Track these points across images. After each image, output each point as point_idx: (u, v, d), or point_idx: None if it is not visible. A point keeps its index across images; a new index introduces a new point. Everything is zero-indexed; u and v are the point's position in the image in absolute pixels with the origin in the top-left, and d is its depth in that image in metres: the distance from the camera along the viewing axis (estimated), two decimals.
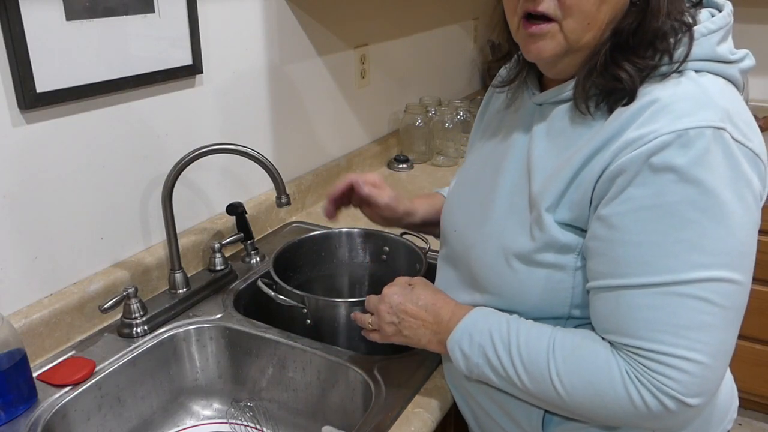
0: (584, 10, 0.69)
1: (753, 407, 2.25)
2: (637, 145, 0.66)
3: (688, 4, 0.73)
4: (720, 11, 0.74)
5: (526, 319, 0.78)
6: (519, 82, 0.87)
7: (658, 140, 0.64)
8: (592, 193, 0.70)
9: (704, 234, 0.64)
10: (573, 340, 0.73)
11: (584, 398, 0.71)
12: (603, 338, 0.72)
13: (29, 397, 0.92)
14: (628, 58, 0.70)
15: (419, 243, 1.29)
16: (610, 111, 0.71)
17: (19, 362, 0.91)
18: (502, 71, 0.94)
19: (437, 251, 1.01)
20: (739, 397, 0.92)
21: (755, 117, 2.52)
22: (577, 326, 0.76)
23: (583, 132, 0.74)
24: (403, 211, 1.07)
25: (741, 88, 0.74)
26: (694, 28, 0.70)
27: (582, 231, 0.73)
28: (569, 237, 0.73)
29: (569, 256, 0.73)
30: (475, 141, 0.98)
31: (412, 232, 1.20)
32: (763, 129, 2.17)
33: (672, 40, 0.69)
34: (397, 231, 1.34)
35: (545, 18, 0.71)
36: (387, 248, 1.35)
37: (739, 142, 0.66)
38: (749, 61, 0.75)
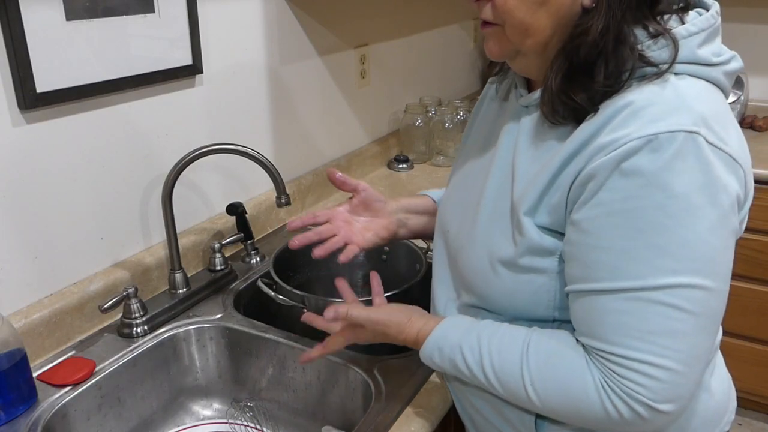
0: (517, 17, 0.71)
1: (753, 407, 2.25)
2: (608, 150, 0.65)
3: (675, 7, 0.72)
4: (707, 11, 0.72)
5: (513, 321, 0.78)
6: (509, 78, 0.88)
7: (628, 145, 0.64)
8: (567, 197, 0.70)
9: (673, 239, 0.64)
10: (548, 345, 0.73)
11: (558, 405, 0.71)
12: (578, 340, 0.72)
13: (29, 397, 0.92)
14: (579, 80, 0.69)
15: (419, 243, 1.29)
16: (579, 122, 0.71)
17: (19, 362, 0.91)
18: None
19: None
20: (739, 397, 0.92)
21: (755, 117, 2.50)
22: (561, 327, 0.76)
23: (562, 135, 0.73)
24: (394, 207, 1.06)
25: (727, 90, 0.74)
26: (674, 31, 0.68)
27: (561, 235, 0.73)
28: (548, 241, 0.73)
29: (550, 260, 0.73)
30: (469, 133, 0.97)
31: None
32: (762, 129, 2.17)
33: (628, 58, 0.67)
34: None
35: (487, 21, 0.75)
36: (387, 248, 1.35)
37: (714, 146, 0.65)
38: (736, 63, 0.73)
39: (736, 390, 0.91)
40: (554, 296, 0.75)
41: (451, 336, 0.80)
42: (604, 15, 0.67)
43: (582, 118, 0.70)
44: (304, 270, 1.33)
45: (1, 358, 0.88)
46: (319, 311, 1.12)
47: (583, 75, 0.69)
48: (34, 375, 0.97)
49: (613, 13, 0.67)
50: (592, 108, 0.69)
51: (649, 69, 0.68)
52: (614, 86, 0.68)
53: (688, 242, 0.64)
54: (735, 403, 0.89)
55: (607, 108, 0.68)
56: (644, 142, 0.63)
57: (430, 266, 1.02)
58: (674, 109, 0.65)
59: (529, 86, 0.83)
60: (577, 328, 0.72)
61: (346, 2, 1.67)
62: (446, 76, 2.35)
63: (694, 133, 0.64)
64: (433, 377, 0.98)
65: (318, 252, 0.98)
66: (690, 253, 0.64)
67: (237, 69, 1.36)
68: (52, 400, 0.94)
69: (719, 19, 0.73)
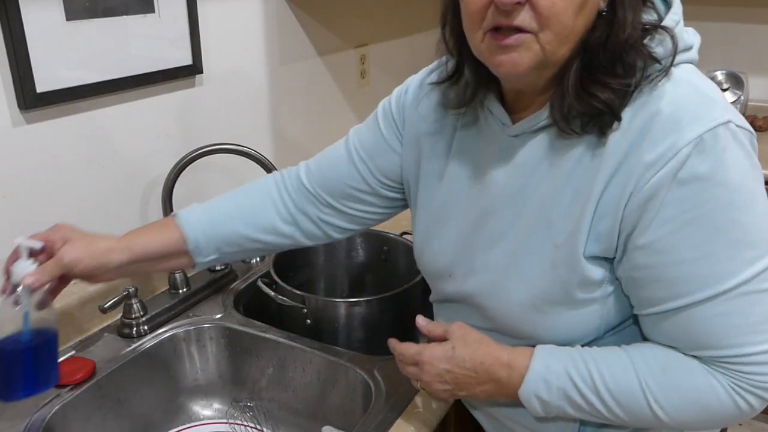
0: (563, 21, 0.64)
1: None
2: (657, 167, 0.64)
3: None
4: None
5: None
6: (474, 104, 0.80)
7: (678, 155, 0.63)
8: (621, 222, 0.68)
9: (745, 229, 0.65)
10: (656, 359, 0.71)
11: (689, 417, 0.70)
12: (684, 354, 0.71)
13: (48, 381, 0.86)
14: (599, 78, 0.67)
15: None
16: (602, 134, 0.68)
17: (49, 341, 0.85)
18: (439, 92, 0.86)
19: None
20: None
21: (755, 117, 2.49)
22: (609, 340, 0.76)
23: (582, 156, 0.70)
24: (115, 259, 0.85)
25: (698, 64, 0.73)
26: (665, 24, 0.68)
27: (608, 261, 0.71)
28: (599, 271, 0.71)
29: (601, 289, 0.72)
30: (422, 155, 0.86)
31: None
32: (762, 129, 2.17)
33: (640, 55, 0.66)
34: (397, 231, 1.34)
35: (518, 29, 0.65)
36: (386, 248, 1.35)
37: (740, 126, 0.66)
38: (698, 37, 0.73)
39: None
40: (606, 319, 0.74)
41: (554, 365, 0.73)
42: (628, 11, 0.65)
43: (605, 127, 0.68)
44: (304, 270, 1.33)
45: (32, 333, 0.83)
46: (319, 311, 1.13)
47: (603, 74, 0.67)
48: None
49: (634, 8, 0.66)
50: (617, 115, 0.67)
51: (654, 67, 0.67)
52: (631, 85, 0.66)
53: (757, 225, 0.65)
54: None
55: (634, 120, 0.66)
56: (692, 147, 0.63)
57: None
58: (701, 105, 0.65)
59: (507, 109, 0.77)
60: (677, 344, 0.70)
61: (346, 2, 1.67)
62: None
63: (727, 122, 0.65)
64: None
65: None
66: (762, 235, 0.66)
67: (237, 69, 1.36)
68: (52, 400, 0.94)
69: None
